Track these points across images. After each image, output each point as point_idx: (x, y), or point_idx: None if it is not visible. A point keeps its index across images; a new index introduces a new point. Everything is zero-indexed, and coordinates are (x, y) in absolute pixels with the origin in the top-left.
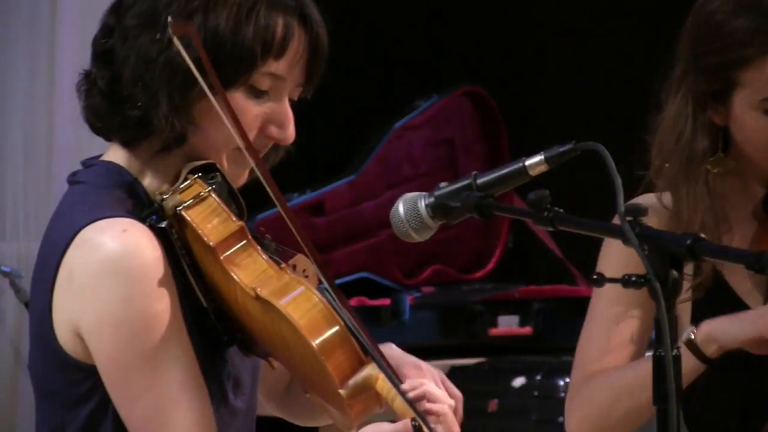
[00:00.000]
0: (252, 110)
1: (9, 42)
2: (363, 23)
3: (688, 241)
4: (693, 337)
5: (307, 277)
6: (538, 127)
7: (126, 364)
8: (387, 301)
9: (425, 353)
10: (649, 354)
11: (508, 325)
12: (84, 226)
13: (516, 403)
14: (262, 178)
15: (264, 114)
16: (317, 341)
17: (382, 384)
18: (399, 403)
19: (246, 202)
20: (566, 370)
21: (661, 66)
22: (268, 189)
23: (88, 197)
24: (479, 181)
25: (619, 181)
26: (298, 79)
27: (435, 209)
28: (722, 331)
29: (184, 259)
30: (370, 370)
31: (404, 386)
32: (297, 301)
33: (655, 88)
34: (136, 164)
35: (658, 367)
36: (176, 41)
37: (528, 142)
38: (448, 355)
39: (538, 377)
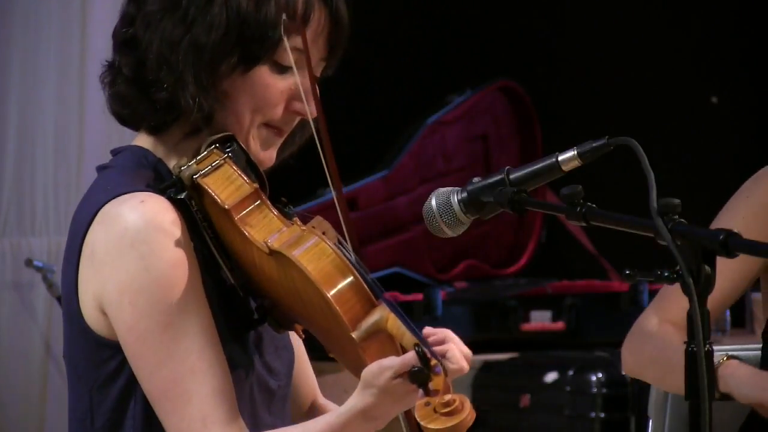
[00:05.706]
0: (277, 85)
1: (40, 41)
2: (397, 19)
3: (721, 237)
4: (716, 365)
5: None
6: (572, 122)
7: (145, 334)
8: (420, 297)
9: None
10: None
11: (540, 320)
12: (105, 203)
13: (548, 398)
14: (322, 156)
15: (289, 89)
16: (331, 291)
17: (393, 322)
18: (408, 338)
19: (285, 194)
20: (599, 365)
21: (696, 63)
22: (325, 165)
23: (111, 178)
24: (512, 176)
25: (652, 175)
26: (321, 53)
27: (468, 204)
28: (737, 384)
29: (207, 232)
30: (381, 311)
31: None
32: (310, 251)
33: (690, 84)
34: (162, 148)
35: (691, 362)
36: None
37: (562, 137)
38: (480, 351)
39: (571, 372)
